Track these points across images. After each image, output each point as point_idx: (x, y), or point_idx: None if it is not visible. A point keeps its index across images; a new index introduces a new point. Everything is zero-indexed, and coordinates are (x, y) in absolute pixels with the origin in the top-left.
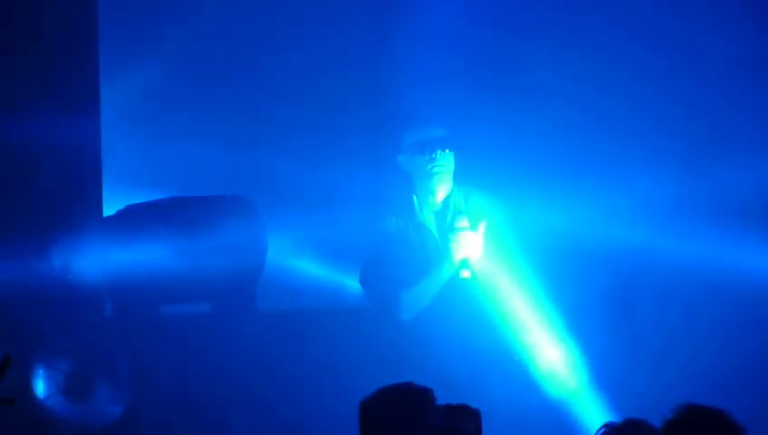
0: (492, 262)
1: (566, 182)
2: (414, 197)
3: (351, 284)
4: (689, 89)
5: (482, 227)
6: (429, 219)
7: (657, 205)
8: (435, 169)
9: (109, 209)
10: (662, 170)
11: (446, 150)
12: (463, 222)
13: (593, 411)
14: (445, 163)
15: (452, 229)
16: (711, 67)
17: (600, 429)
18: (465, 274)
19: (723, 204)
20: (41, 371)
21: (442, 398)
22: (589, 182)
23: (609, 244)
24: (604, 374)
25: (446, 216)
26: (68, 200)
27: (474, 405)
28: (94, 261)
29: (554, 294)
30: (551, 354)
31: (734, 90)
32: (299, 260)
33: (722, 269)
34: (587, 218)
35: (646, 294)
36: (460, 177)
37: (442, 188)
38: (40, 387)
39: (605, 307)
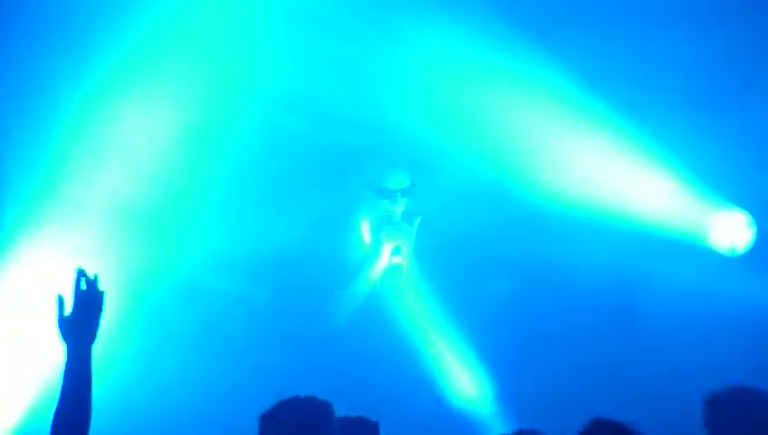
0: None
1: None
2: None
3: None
4: None
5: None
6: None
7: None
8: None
9: None
10: None
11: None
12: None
13: (492, 421)
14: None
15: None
16: None
17: None
18: (396, 260)
19: None
20: None
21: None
22: (497, 192)
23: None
24: (505, 386)
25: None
26: None
27: (374, 416)
28: None
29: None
30: (454, 366)
31: None
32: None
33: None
34: (495, 225)
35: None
36: None
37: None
38: None
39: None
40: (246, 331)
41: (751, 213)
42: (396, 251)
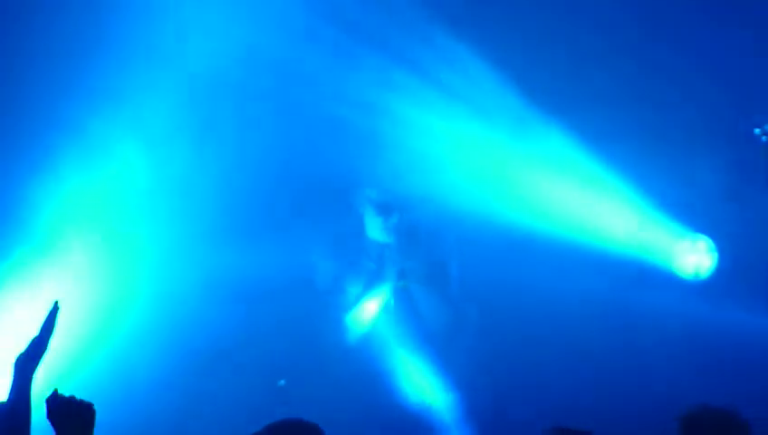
0: None
1: None
2: None
3: None
4: None
5: None
6: None
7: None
8: None
9: None
10: None
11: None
12: None
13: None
14: None
15: None
16: None
17: None
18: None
19: None
20: None
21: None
22: (477, 221)
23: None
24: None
25: None
26: None
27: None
28: None
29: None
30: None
31: None
32: None
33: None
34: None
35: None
36: None
37: None
38: None
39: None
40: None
41: (712, 240)
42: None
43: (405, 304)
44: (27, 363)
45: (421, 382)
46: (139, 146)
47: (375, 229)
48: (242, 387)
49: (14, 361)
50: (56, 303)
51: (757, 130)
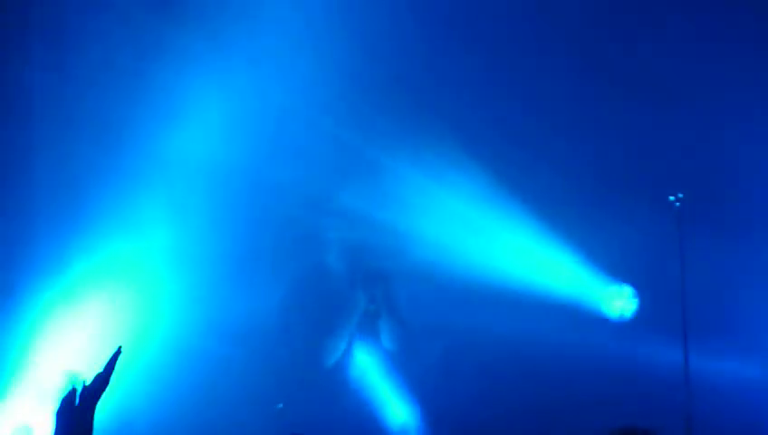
0: None
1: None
2: None
3: None
4: None
5: None
6: None
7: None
8: None
9: None
10: None
11: None
12: None
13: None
14: None
15: None
16: None
17: None
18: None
19: None
20: None
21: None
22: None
23: None
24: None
25: None
26: None
27: None
28: None
29: None
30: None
31: None
32: None
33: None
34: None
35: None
36: None
37: None
38: None
39: None
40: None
41: (634, 287)
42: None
43: (370, 335)
44: (92, 396)
45: (387, 397)
46: (162, 225)
47: (351, 284)
48: (245, 404)
49: (80, 393)
50: (119, 347)
51: (671, 198)
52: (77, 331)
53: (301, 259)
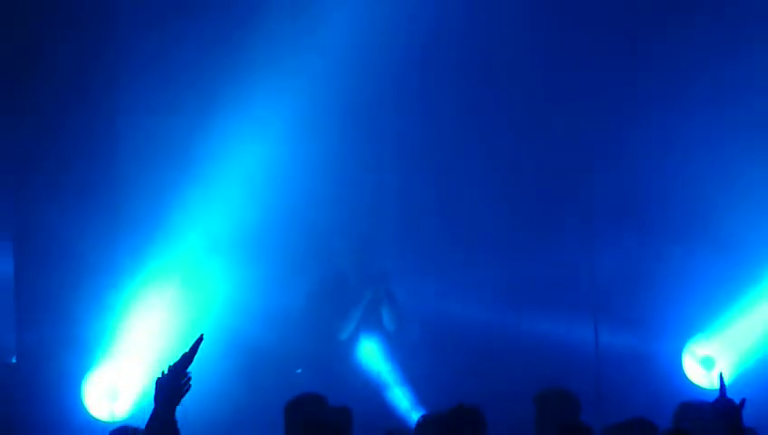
0: None
1: None
2: None
3: None
4: None
5: None
6: None
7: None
8: None
9: None
10: None
11: None
12: None
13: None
14: None
15: None
16: None
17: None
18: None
19: None
20: None
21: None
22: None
23: None
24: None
25: None
26: None
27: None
28: None
29: None
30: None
31: None
32: None
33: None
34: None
35: None
36: None
37: None
38: None
39: None
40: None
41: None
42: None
43: (374, 318)
44: (176, 378)
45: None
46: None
47: (360, 280)
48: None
49: (159, 378)
50: (201, 335)
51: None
52: (157, 311)
53: (324, 259)
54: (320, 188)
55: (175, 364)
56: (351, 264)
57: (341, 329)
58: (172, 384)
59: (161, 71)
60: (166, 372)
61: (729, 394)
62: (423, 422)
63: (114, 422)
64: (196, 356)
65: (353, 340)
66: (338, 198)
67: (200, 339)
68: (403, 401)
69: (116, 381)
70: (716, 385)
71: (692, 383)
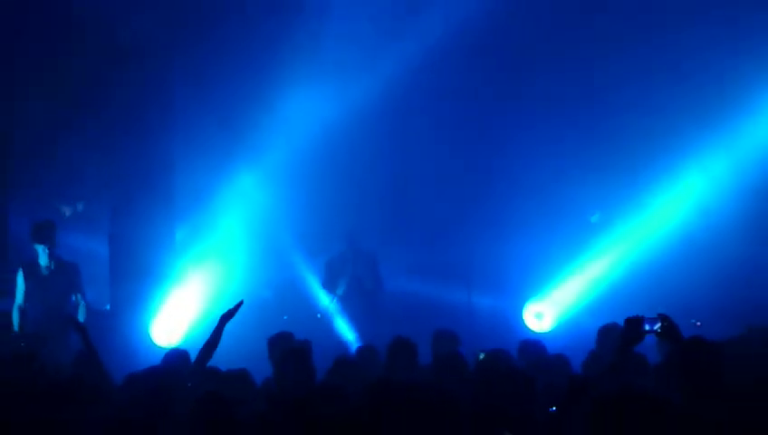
0: None
1: None
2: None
3: None
4: None
5: None
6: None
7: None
8: None
9: None
10: None
11: None
12: None
13: None
14: None
15: None
16: None
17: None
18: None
19: None
20: None
21: None
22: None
23: None
24: None
25: None
26: None
27: None
28: None
29: None
30: None
31: None
32: None
33: None
34: None
35: None
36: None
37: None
38: None
39: None
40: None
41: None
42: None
43: (355, 284)
44: (226, 318)
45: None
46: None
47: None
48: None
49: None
50: (242, 301)
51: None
52: (200, 277)
53: (327, 246)
54: (322, 197)
55: (226, 313)
56: (350, 249)
57: (338, 286)
58: (224, 319)
59: (203, 129)
60: (226, 312)
61: (550, 336)
62: (364, 349)
63: (169, 347)
64: (236, 310)
65: (336, 299)
66: (334, 203)
67: (240, 303)
68: (350, 336)
69: (170, 322)
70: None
71: (528, 328)
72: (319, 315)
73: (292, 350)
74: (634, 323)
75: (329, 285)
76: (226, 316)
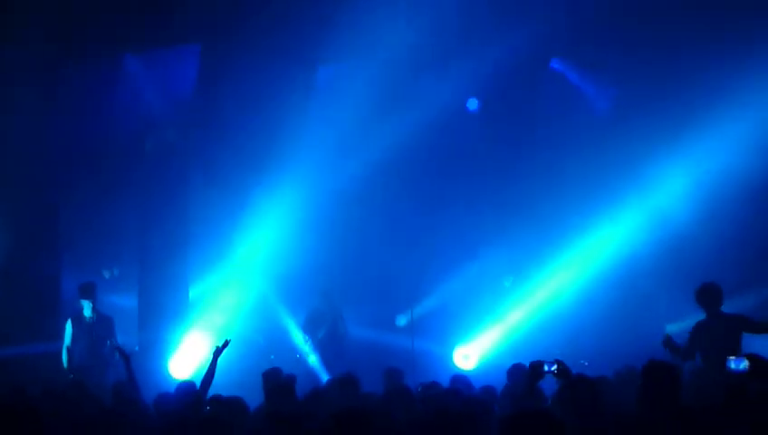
0: None
1: None
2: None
3: None
4: None
5: None
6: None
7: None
8: None
9: None
10: None
11: None
12: None
13: None
14: None
15: None
16: None
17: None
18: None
19: None
20: None
21: None
22: None
23: None
24: None
25: None
26: None
27: None
28: None
29: None
30: None
31: None
32: None
33: None
34: None
35: None
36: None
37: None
38: None
39: None
40: None
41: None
42: None
43: (332, 331)
44: (218, 354)
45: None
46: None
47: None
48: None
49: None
50: (228, 340)
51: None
52: (209, 326)
53: (313, 298)
54: (301, 262)
55: (217, 349)
56: (325, 304)
57: (318, 332)
58: (216, 355)
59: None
60: (217, 348)
61: (475, 372)
62: (332, 381)
63: (181, 380)
64: (225, 347)
65: (316, 342)
66: (309, 268)
67: (227, 341)
68: (323, 375)
69: (183, 359)
70: (472, 368)
71: (456, 367)
72: (297, 355)
73: (281, 382)
74: (537, 366)
75: (309, 331)
76: (218, 352)
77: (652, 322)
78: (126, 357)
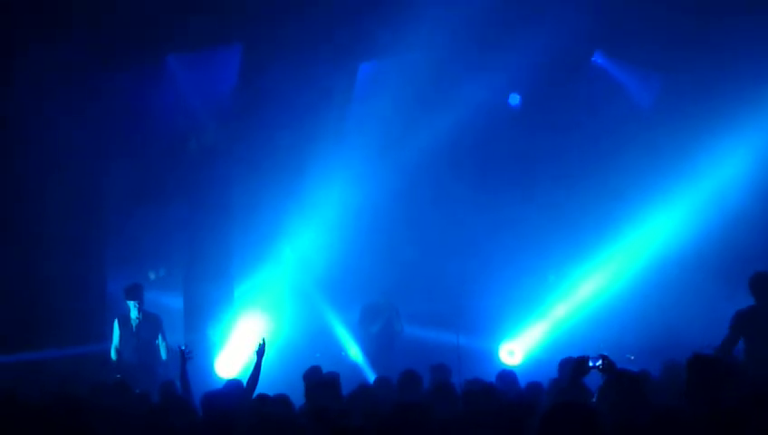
0: None
1: None
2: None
3: None
4: None
5: None
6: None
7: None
8: None
9: None
10: None
11: None
12: None
13: None
14: None
15: None
16: None
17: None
18: None
19: None
20: None
21: None
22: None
23: None
24: None
25: None
26: None
27: None
28: None
29: None
30: None
31: None
32: None
33: None
34: None
35: None
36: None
37: None
38: None
39: None
40: None
41: None
42: None
43: (388, 327)
44: (261, 355)
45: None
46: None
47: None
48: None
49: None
50: (264, 338)
51: None
52: (255, 326)
53: (368, 294)
54: (352, 263)
55: (259, 347)
56: (383, 298)
57: (373, 326)
58: (260, 355)
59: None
60: (259, 347)
61: (521, 369)
62: (380, 379)
63: (228, 379)
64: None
65: (368, 336)
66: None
67: (263, 341)
68: (369, 373)
69: (229, 358)
70: (517, 364)
71: (502, 362)
72: (343, 354)
73: (322, 379)
74: (582, 361)
75: (365, 324)
76: (261, 351)
77: (700, 316)
78: (184, 359)
